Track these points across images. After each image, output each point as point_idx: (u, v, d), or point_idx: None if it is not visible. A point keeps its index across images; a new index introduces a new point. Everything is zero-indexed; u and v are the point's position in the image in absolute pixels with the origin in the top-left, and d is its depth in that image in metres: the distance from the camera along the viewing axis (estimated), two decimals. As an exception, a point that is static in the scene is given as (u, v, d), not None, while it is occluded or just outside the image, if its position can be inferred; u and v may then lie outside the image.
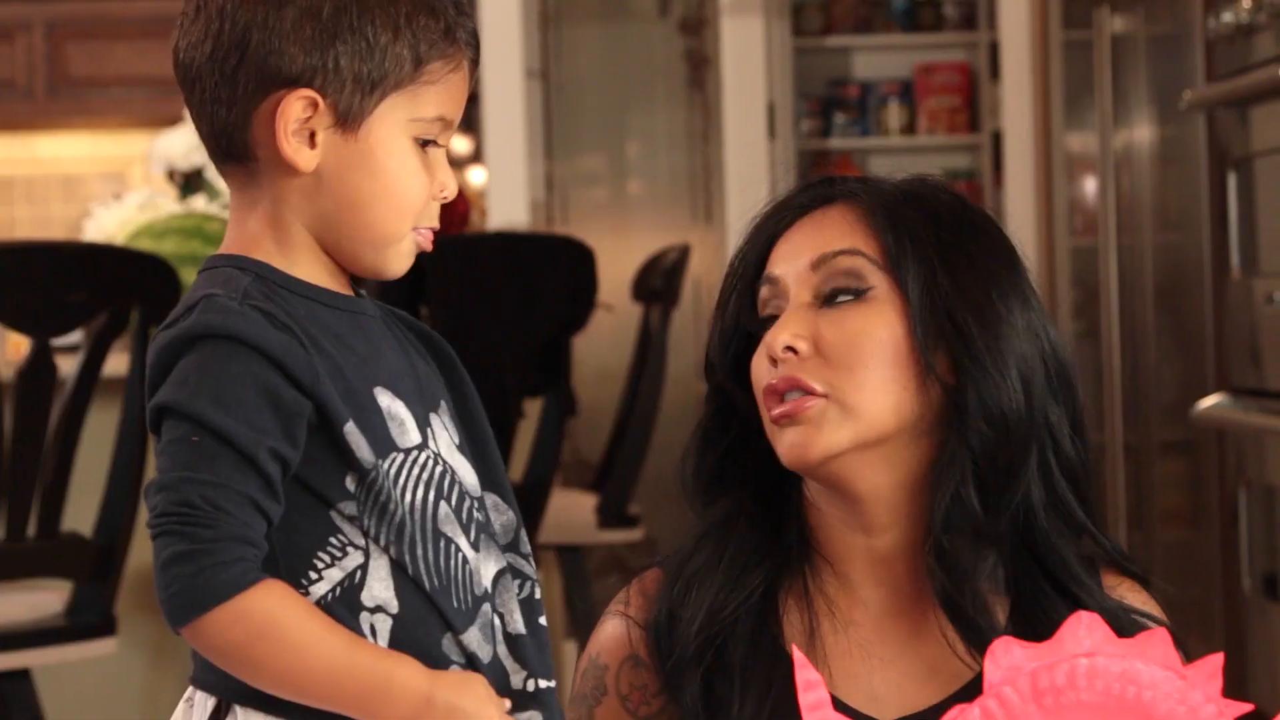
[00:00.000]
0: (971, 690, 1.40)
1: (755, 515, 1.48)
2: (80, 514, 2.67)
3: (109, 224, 3.60)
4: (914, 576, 1.45)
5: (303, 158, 1.25)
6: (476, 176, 5.39)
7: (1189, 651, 1.39)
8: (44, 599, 2.69)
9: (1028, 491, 1.42)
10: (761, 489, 1.49)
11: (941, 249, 1.43)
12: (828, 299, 1.43)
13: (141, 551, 3.07)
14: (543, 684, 1.28)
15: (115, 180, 6.31)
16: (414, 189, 1.27)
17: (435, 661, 1.22)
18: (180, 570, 1.16)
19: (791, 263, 1.45)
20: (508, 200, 5.07)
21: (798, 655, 1.14)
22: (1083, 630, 1.18)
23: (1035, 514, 1.42)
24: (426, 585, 1.23)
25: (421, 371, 1.31)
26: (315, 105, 1.25)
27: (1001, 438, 1.40)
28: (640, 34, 6.15)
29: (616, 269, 4.35)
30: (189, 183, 3.77)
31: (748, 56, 5.50)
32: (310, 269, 1.27)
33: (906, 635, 1.46)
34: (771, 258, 1.47)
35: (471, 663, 1.24)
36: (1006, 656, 1.17)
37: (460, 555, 1.26)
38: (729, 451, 1.50)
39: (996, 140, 5.62)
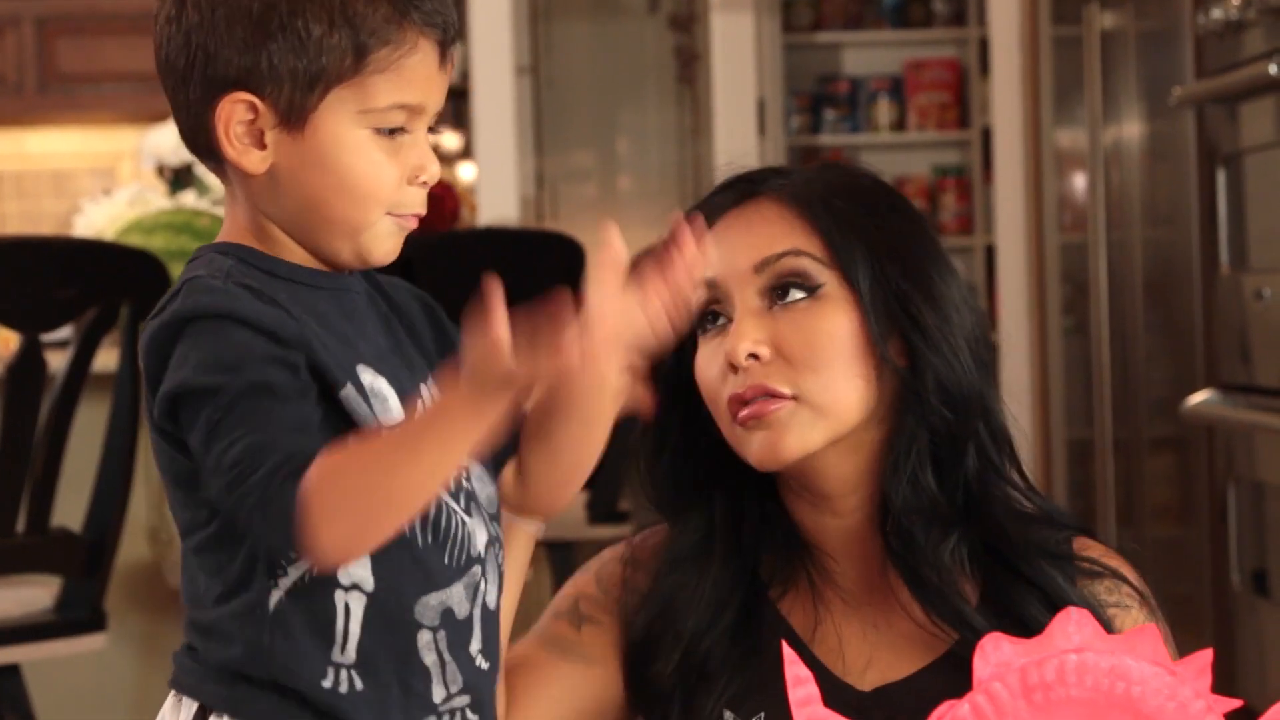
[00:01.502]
0: (947, 661, 1.42)
1: (725, 537, 1.48)
2: (70, 509, 2.67)
3: (99, 219, 3.60)
4: (881, 554, 1.46)
5: (249, 160, 1.23)
6: (466, 172, 5.39)
7: (1150, 599, 1.47)
8: (33, 594, 2.69)
9: (977, 458, 1.44)
10: (729, 489, 1.49)
11: (881, 238, 1.43)
12: (776, 299, 1.42)
13: (130, 547, 3.08)
14: (484, 664, 1.28)
15: (105, 176, 6.30)
16: (375, 179, 1.24)
17: (405, 630, 1.23)
18: (262, 518, 1.14)
19: (731, 264, 1.44)
20: (498, 196, 5.07)
21: (787, 652, 1.15)
22: (1072, 626, 1.19)
23: (972, 483, 1.44)
24: (419, 542, 1.23)
25: (407, 347, 1.30)
26: (255, 107, 1.22)
27: (959, 414, 1.42)
28: (630, 30, 6.16)
29: (607, 265, 4.35)
30: (179, 178, 3.77)
31: (738, 52, 5.50)
32: (293, 258, 1.27)
33: (883, 607, 1.47)
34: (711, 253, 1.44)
35: (446, 620, 1.25)
36: (996, 653, 1.18)
37: (457, 517, 1.26)
38: (681, 452, 1.50)
39: (986, 136, 5.63)
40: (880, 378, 1.42)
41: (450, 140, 5.53)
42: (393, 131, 1.24)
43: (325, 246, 1.26)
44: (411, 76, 1.24)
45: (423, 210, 1.28)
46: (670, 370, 1.47)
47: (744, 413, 1.40)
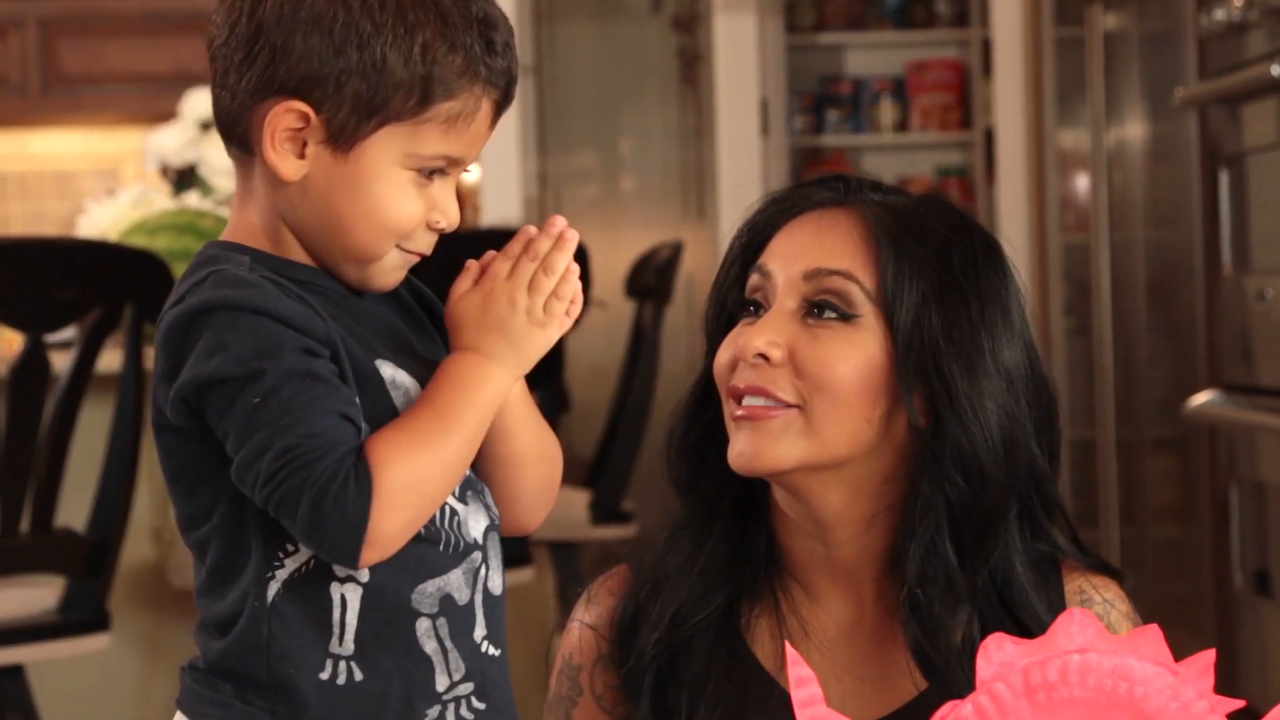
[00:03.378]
0: (915, 707, 1.39)
1: (728, 520, 1.46)
2: (74, 510, 2.67)
3: (102, 220, 3.60)
4: (874, 590, 1.43)
5: (287, 166, 1.22)
6: (469, 173, 5.40)
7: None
8: (37, 595, 2.69)
9: (1007, 546, 1.39)
10: (738, 484, 1.46)
11: (939, 288, 1.39)
12: (811, 312, 1.40)
13: (134, 547, 3.08)
14: (493, 651, 1.28)
15: (109, 177, 6.30)
16: (401, 216, 1.24)
17: (403, 618, 1.23)
18: (325, 509, 1.15)
19: (787, 264, 1.42)
20: (500, 197, 5.07)
21: (791, 652, 1.14)
22: (1075, 627, 1.17)
23: (1013, 569, 1.39)
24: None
25: (415, 342, 1.30)
26: (307, 118, 1.21)
27: (978, 491, 1.37)
28: (633, 31, 6.15)
29: (609, 266, 4.35)
30: (182, 179, 3.77)
31: (740, 53, 5.49)
32: (302, 258, 1.26)
33: (868, 644, 1.44)
34: (770, 247, 1.44)
35: (446, 607, 1.25)
36: (999, 653, 1.16)
37: (447, 508, 1.25)
38: (713, 423, 1.47)
39: (989, 137, 5.62)
40: (887, 425, 1.39)
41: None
42: (431, 173, 1.24)
43: (333, 264, 1.26)
44: (464, 132, 1.24)
45: (429, 251, 1.28)
46: (718, 340, 1.45)
47: (740, 411, 1.39)
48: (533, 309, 1.24)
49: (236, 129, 1.25)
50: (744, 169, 5.41)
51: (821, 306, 1.39)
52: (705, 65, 5.83)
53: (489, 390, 1.22)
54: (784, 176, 5.54)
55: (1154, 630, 1.17)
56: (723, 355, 1.42)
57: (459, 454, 1.21)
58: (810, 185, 1.48)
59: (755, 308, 1.43)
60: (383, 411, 1.22)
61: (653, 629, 1.44)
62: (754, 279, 1.43)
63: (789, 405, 1.38)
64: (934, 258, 1.39)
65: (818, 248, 1.41)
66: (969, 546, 1.38)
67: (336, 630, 1.22)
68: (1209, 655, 1.19)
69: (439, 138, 1.23)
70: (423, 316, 1.34)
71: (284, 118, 1.21)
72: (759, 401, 1.38)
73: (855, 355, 1.38)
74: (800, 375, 1.38)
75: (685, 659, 1.43)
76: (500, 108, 1.26)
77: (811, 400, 1.38)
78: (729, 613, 1.45)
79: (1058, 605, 1.39)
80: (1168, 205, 3.62)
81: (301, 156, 1.23)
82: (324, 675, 1.22)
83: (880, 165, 6.32)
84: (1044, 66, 4.63)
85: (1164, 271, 3.66)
